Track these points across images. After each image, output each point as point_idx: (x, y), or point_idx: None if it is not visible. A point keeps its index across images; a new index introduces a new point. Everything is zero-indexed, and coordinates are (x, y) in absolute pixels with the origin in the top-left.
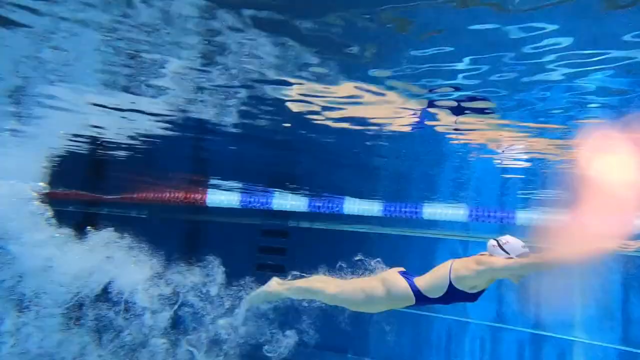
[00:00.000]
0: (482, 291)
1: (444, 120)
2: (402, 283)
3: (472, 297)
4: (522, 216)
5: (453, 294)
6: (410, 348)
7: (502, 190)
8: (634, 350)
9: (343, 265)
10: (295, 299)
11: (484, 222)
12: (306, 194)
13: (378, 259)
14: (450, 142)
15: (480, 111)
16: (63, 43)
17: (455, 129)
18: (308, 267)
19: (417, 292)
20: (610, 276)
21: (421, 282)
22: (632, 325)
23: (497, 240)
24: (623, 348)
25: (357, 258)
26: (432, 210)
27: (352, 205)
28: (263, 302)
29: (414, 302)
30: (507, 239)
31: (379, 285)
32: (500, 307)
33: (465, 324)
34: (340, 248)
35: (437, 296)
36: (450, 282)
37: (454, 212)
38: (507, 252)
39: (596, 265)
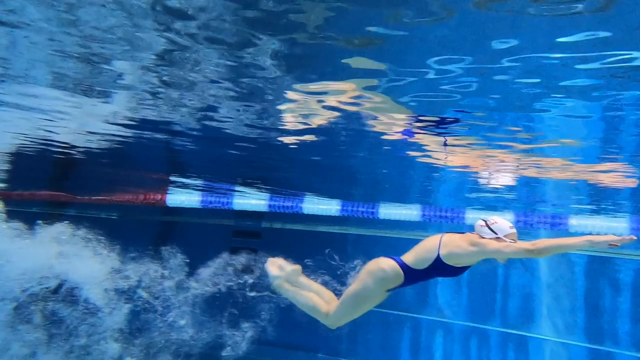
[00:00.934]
0: (468, 267)
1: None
2: (389, 262)
3: (458, 271)
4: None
5: (439, 268)
6: (383, 348)
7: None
8: (601, 348)
9: (313, 264)
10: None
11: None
12: (273, 193)
13: (357, 260)
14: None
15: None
16: (14, 44)
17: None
18: None
19: (403, 266)
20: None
21: (408, 257)
22: (599, 323)
23: (486, 220)
24: (589, 346)
25: (330, 258)
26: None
27: (312, 205)
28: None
29: (402, 278)
30: (495, 219)
31: (368, 274)
32: (475, 305)
33: (439, 323)
34: (313, 248)
35: (423, 267)
36: (439, 256)
37: (408, 212)
38: (495, 232)
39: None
